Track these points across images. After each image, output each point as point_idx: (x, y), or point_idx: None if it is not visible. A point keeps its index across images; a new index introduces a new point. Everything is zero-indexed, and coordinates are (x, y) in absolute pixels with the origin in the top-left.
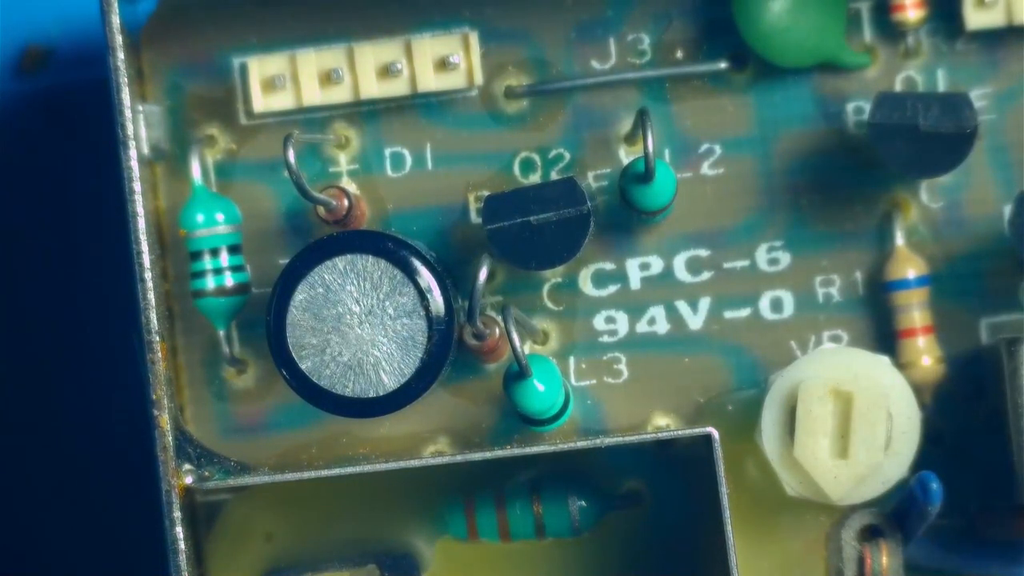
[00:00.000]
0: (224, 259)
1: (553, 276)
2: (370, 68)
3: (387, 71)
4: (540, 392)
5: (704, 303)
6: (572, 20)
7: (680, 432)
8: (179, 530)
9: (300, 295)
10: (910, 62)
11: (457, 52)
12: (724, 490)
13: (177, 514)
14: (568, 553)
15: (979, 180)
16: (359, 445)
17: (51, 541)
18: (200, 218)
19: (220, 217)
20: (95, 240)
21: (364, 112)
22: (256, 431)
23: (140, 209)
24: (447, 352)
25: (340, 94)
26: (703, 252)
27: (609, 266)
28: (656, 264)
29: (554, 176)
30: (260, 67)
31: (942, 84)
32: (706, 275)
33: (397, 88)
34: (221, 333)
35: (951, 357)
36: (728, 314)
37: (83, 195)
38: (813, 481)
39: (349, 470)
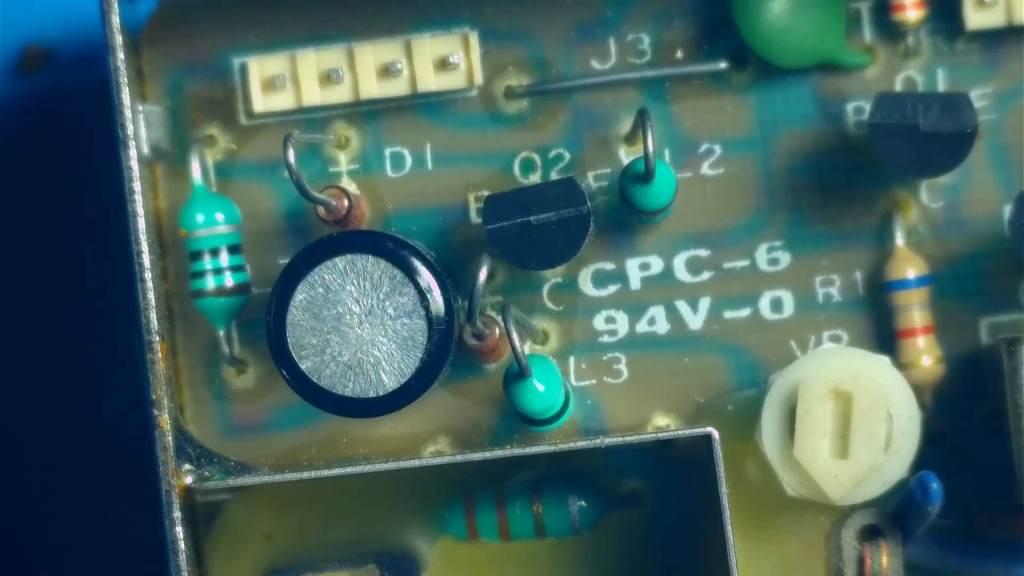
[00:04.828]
0: (224, 259)
1: (553, 276)
2: (370, 68)
3: (387, 71)
4: (540, 392)
5: (704, 303)
6: (572, 20)
7: (680, 432)
8: (179, 530)
9: (300, 295)
10: (910, 62)
11: (457, 52)
12: (724, 490)
13: (177, 514)
14: (568, 553)
15: (979, 180)
16: (359, 445)
17: (51, 541)
18: (200, 218)
19: (220, 217)
20: (95, 240)
21: (364, 112)
22: (256, 431)
23: (140, 209)
24: (447, 352)
25: (340, 94)
26: (703, 252)
27: (609, 266)
28: (656, 264)
29: (554, 176)
30: (260, 67)
31: (942, 84)
32: (706, 275)
33: (397, 88)
34: (221, 333)
35: (951, 357)
36: (728, 314)
37: (83, 195)
38: (813, 481)
39: (349, 470)
